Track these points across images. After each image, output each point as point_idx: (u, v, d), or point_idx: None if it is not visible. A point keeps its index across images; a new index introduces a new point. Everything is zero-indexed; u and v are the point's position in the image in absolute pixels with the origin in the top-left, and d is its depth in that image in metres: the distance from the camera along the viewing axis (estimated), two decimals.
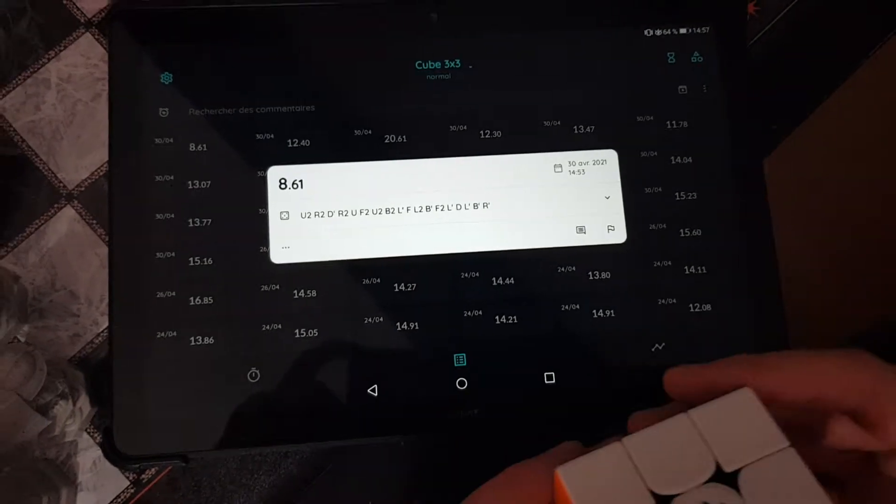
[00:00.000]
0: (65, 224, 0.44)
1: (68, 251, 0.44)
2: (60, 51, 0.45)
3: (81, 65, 0.46)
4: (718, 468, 0.26)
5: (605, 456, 0.27)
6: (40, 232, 0.44)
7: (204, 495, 0.42)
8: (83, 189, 0.44)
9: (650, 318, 0.42)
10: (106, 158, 0.44)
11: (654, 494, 0.25)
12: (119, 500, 0.41)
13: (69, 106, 0.45)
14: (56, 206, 0.44)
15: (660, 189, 0.44)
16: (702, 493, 0.25)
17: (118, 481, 0.42)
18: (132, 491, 0.41)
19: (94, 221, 0.44)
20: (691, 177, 0.44)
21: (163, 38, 0.44)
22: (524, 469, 0.29)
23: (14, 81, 0.45)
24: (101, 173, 0.44)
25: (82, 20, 0.46)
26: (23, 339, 0.42)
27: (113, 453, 0.40)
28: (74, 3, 0.46)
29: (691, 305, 0.43)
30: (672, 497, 0.25)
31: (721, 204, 0.44)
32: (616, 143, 0.44)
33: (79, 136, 0.45)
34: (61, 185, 0.44)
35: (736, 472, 0.25)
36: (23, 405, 0.35)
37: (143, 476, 0.41)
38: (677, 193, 0.44)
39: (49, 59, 0.45)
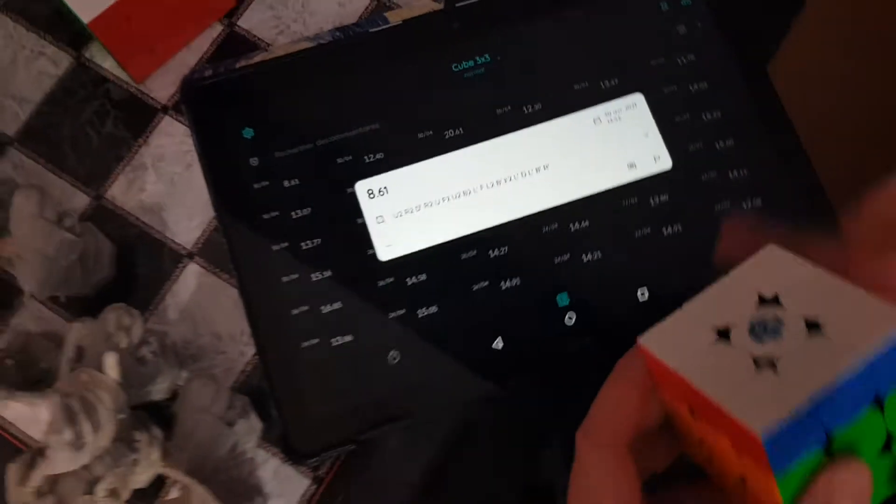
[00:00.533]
0: (192, 279, 0.50)
1: (201, 300, 0.49)
2: (148, 136, 0.51)
3: (168, 144, 0.51)
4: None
5: (678, 316, 0.30)
6: (173, 291, 0.50)
7: (375, 474, 0.47)
8: (200, 245, 0.50)
9: (711, 224, 0.48)
10: (211, 215, 0.50)
11: (726, 335, 0.30)
12: (304, 498, 0.47)
13: (168, 180, 0.51)
14: (180, 265, 0.50)
15: (687, 115, 0.49)
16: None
17: (300, 483, 0.47)
18: (314, 487, 0.47)
19: (217, 269, 0.50)
20: (711, 98, 0.50)
21: (232, 101, 0.50)
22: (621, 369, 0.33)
23: (116, 172, 0.51)
24: (212, 228, 0.50)
25: (159, 107, 0.52)
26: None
27: (293, 455, 0.45)
28: (148, 95, 0.52)
29: (743, 203, 0.49)
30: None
31: (742, 113, 0.50)
32: (640, 87, 0.49)
33: (183, 203, 0.50)
34: (180, 246, 0.50)
35: None
36: (217, 421, 0.41)
37: (321, 470, 0.47)
38: (703, 115, 0.49)
39: (140, 146, 0.51)
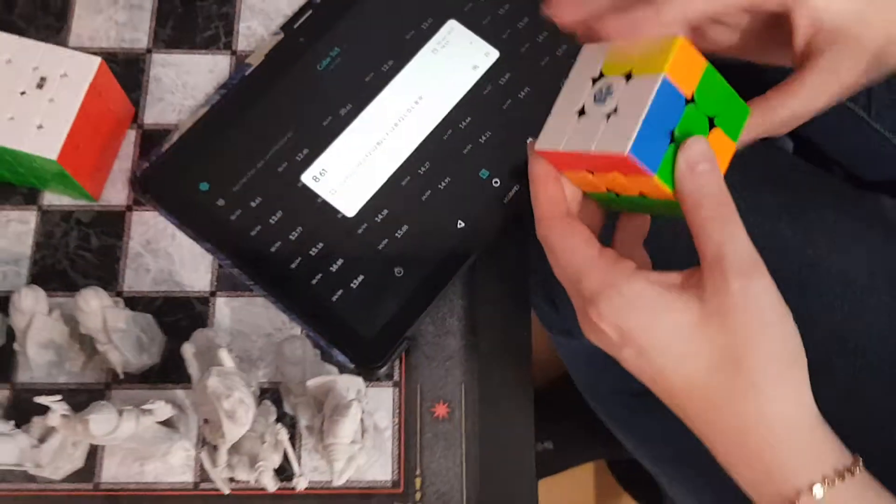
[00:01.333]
0: (224, 308, 0.59)
1: (241, 318, 0.61)
2: (129, 232, 0.60)
3: (147, 229, 0.58)
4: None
5: (550, 120, 0.42)
6: (216, 324, 0.61)
7: (428, 353, 0.61)
8: (215, 284, 0.60)
9: (548, 71, 0.65)
10: (210, 259, 0.60)
11: (583, 112, 0.41)
12: (395, 401, 0.59)
13: (163, 254, 0.58)
14: (210, 304, 0.61)
15: (489, 17, 0.64)
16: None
17: (385, 393, 0.59)
18: (397, 390, 0.59)
19: (238, 292, 0.60)
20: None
21: (177, 173, 0.60)
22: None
23: (120, 269, 0.61)
24: (216, 267, 0.58)
25: (123, 208, 0.62)
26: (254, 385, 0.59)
27: (368, 371, 0.57)
28: (110, 204, 0.61)
29: (557, 49, 0.66)
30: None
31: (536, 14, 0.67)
32: (450, 15, 0.63)
33: (184, 262, 0.58)
34: (201, 292, 0.59)
35: None
36: (316, 363, 0.53)
37: (394, 377, 0.59)
38: (498, 11, 0.66)
39: (127, 243, 0.59)
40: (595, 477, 1.13)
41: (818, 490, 0.37)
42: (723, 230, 0.37)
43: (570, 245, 0.41)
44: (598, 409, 0.78)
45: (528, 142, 0.43)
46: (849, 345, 0.53)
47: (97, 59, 0.55)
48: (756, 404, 0.38)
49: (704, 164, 0.38)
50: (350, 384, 0.48)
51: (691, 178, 0.38)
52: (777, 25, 0.42)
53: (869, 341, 0.53)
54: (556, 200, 0.42)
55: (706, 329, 0.37)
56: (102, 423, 0.45)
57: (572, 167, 0.42)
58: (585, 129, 0.40)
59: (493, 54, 0.63)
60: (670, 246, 0.45)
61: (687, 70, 0.39)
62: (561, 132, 0.41)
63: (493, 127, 0.61)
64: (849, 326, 0.53)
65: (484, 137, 0.60)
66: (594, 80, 0.41)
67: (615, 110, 0.39)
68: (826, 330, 0.53)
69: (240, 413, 0.45)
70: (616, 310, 0.38)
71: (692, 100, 0.40)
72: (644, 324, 0.38)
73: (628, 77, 0.40)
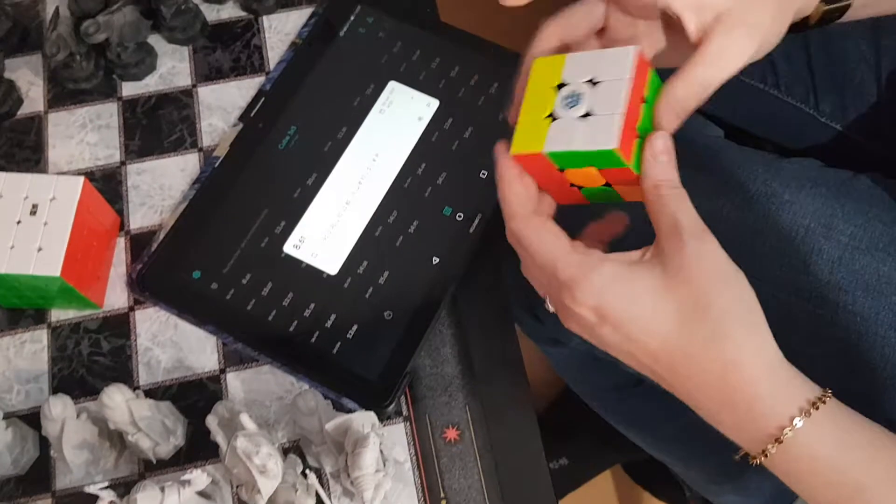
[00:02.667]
0: (236, 382, 0.63)
1: (252, 388, 0.65)
2: (135, 331, 0.64)
3: (151, 324, 0.63)
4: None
5: (518, 128, 0.46)
6: (231, 398, 0.65)
7: (430, 384, 0.64)
8: (223, 361, 0.64)
9: (487, 108, 0.71)
10: (214, 340, 0.65)
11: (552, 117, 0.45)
12: (409, 435, 0.63)
13: (170, 344, 0.62)
14: (222, 381, 0.65)
15: (423, 74, 0.72)
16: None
17: (398, 428, 0.62)
18: (408, 424, 0.63)
19: (247, 365, 0.65)
20: (423, 55, 0.73)
21: (170, 268, 0.65)
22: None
23: (133, 367, 0.65)
24: (221, 346, 0.63)
25: (126, 310, 0.66)
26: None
27: (379, 410, 0.61)
28: (113, 309, 0.66)
29: (489, 87, 0.72)
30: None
31: (440, 48, 0.73)
32: (389, 78, 0.69)
33: (192, 348, 0.63)
34: (212, 371, 0.64)
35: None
36: (328, 411, 0.57)
37: (403, 412, 0.63)
38: (429, 64, 0.73)
39: (135, 340, 0.64)
40: (615, 484, 1.17)
41: (798, 421, 0.41)
42: (677, 203, 0.43)
43: (543, 238, 0.45)
44: (601, 409, 0.82)
45: (496, 146, 0.47)
46: (804, 293, 0.58)
47: (80, 179, 0.60)
48: (727, 347, 0.42)
49: (665, 155, 0.44)
50: (365, 420, 0.52)
51: (655, 166, 0.44)
52: (676, 30, 0.48)
53: (823, 288, 0.58)
54: (525, 199, 0.46)
55: (671, 288, 0.42)
56: (148, 500, 0.49)
57: (541, 166, 0.46)
58: (562, 131, 0.45)
59: (434, 104, 0.68)
60: (620, 238, 0.50)
61: (642, 75, 0.45)
62: (535, 137, 0.45)
63: (447, 167, 0.66)
64: (801, 278, 0.58)
65: (441, 179, 0.66)
66: (558, 88, 0.46)
67: (589, 113, 0.44)
68: (781, 285, 0.58)
69: (270, 466, 0.49)
70: (592, 291, 0.43)
71: (645, 100, 0.45)
72: (617, 297, 0.42)
73: (593, 83, 0.45)
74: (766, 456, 0.42)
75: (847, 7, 0.53)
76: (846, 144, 0.70)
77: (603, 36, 0.50)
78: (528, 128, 0.46)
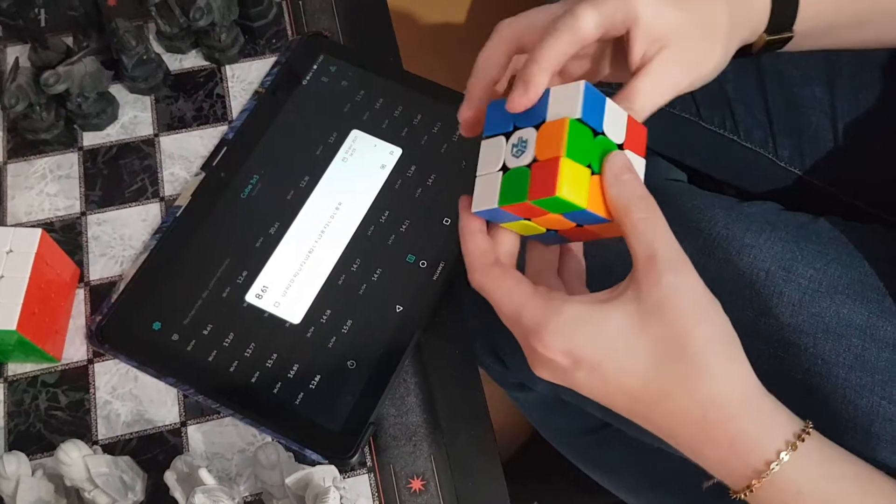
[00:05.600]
0: (197, 435, 0.62)
1: (213, 440, 0.64)
2: (93, 385, 0.64)
3: (111, 377, 0.63)
4: None
5: (477, 187, 0.45)
6: (192, 452, 0.63)
7: (394, 433, 0.64)
8: (184, 413, 0.63)
9: (450, 155, 0.72)
10: (175, 391, 0.64)
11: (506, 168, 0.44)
12: (373, 487, 0.62)
13: (129, 396, 0.61)
14: (182, 435, 0.64)
15: (386, 121, 0.73)
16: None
17: (362, 480, 0.61)
18: (372, 475, 0.62)
19: (207, 417, 0.63)
20: (385, 105, 0.74)
21: (130, 319, 0.64)
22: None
23: (92, 422, 0.64)
24: (183, 398, 0.62)
25: (85, 362, 0.65)
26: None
27: (342, 462, 0.61)
28: (72, 362, 0.65)
29: (453, 135, 0.73)
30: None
31: (401, 96, 0.74)
32: (351, 126, 0.70)
33: (152, 400, 0.62)
34: (172, 425, 0.63)
35: None
36: (291, 464, 0.56)
37: (367, 462, 0.63)
38: (393, 113, 0.73)
39: (94, 394, 0.63)
40: None
41: (784, 455, 0.41)
42: (654, 229, 0.42)
43: (504, 287, 0.44)
44: (569, 454, 0.82)
45: (460, 199, 0.47)
46: (765, 337, 0.58)
47: (38, 231, 0.60)
48: (707, 383, 0.41)
49: (627, 173, 0.43)
50: (325, 473, 0.52)
51: (618, 187, 0.43)
52: (616, 46, 0.49)
53: (784, 331, 0.59)
54: (485, 251, 0.46)
55: (647, 326, 0.41)
56: None
57: (512, 215, 0.46)
58: (515, 181, 0.44)
59: (397, 152, 0.69)
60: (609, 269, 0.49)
61: (593, 107, 0.44)
62: (492, 191, 0.45)
63: (410, 215, 0.66)
64: (762, 321, 0.59)
65: (404, 226, 0.66)
66: (507, 137, 0.46)
67: (535, 159, 0.44)
68: (742, 329, 0.58)
69: None
70: (560, 334, 0.42)
71: (601, 133, 0.45)
72: (589, 339, 0.41)
73: (538, 127, 0.44)
74: (750, 491, 0.42)
75: (789, 39, 0.54)
76: (805, 188, 0.71)
77: None
78: (485, 182, 0.46)
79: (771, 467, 0.41)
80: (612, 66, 0.51)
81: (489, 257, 0.46)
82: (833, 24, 0.55)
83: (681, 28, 0.47)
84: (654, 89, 0.46)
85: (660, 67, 0.46)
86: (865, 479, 0.43)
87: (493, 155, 0.46)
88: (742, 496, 0.42)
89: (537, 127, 0.44)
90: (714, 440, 0.42)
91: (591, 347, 0.42)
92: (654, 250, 0.41)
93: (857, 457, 0.44)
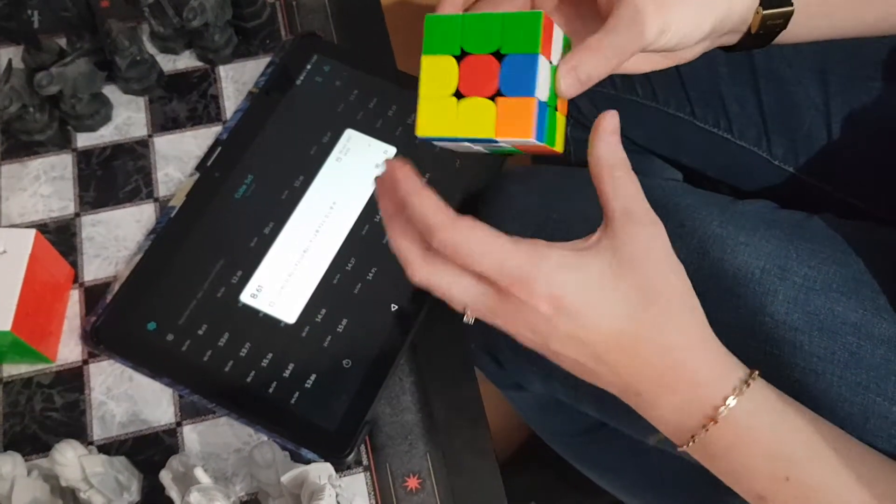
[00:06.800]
0: (192, 434, 0.62)
1: (209, 440, 0.63)
2: (89, 386, 0.63)
3: (106, 378, 0.62)
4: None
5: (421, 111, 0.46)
6: (187, 451, 0.63)
7: (391, 432, 0.64)
8: (180, 414, 0.63)
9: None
10: (170, 391, 0.65)
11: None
12: (369, 486, 0.62)
13: (125, 396, 0.61)
14: (178, 435, 0.64)
15: (380, 121, 0.73)
16: None
17: (358, 479, 0.61)
18: (368, 474, 0.62)
19: (203, 417, 0.63)
20: (377, 105, 0.74)
21: (124, 319, 0.65)
22: None
23: (87, 421, 0.64)
24: (178, 399, 0.62)
25: (80, 363, 0.65)
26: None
27: (338, 461, 0.61)
28: (67, 363, 0.64)
29: None
30: None
31: (383, 91, 0.74)
32: (345, 126, 0.70)
33: (147, 400, 0.62)
34: (168, 425, 0.63)
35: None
36: (287, 462, 0.57)
37: (363, 461, 0.63)
38: (386, 113, 0.74)
39: (89, 395, 0.63)
40: None
41: (731, 401, 0.44)
42: (632, 189, 0.44)
43: (479, 237, 0.42)
44: (565, 454, 0.82)
45: (386, 163, 0.45)
46: (760, 334, 0.58)
47: (32, 231, 0.60)
48: (674, 328, 0.44)
49: (614, 136, 0.45)
50: (321, 471, 0.52)
51: (605, 147, 0.45)
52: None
53: (779, 329, 0.59)
54: (441, 206, 0.43)
55: (622, 275, 0.43)
56: None
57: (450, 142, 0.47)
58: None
59: (391, 151, 0.69)
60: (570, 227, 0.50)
61: (548, 42, 0.45)
62: (446, 118, 0.46)
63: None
64: (757, 319, 0.59)
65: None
66: (456, 59, 0.46)
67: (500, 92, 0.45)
68: (737, 326, 0.59)
69: None
70: (547, 279, 0.42)
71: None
72: (573, 284, 0.42)
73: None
74: (706, 430, 0.44)
75: (789, 14, 0.53)
76: (799, 186, 0.71)
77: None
78: (434, 105, 0.46)
79: (727, 402, 0.43)
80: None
81: (448, 211, 0.43)
82: (833, 1, 0.55)
83: None
84: (631, 29, 0.46)
85: (630, 7, 0.46)
86: (814, 419, 0.46)
87: (443, 79, 0.46)
88: (690, 444, 0.45)
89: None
90: (675, 386, 0.44)
91: (574, 293, 0.42)
92: (631, 207, 0.44)
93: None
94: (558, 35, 0.47)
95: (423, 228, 0.44)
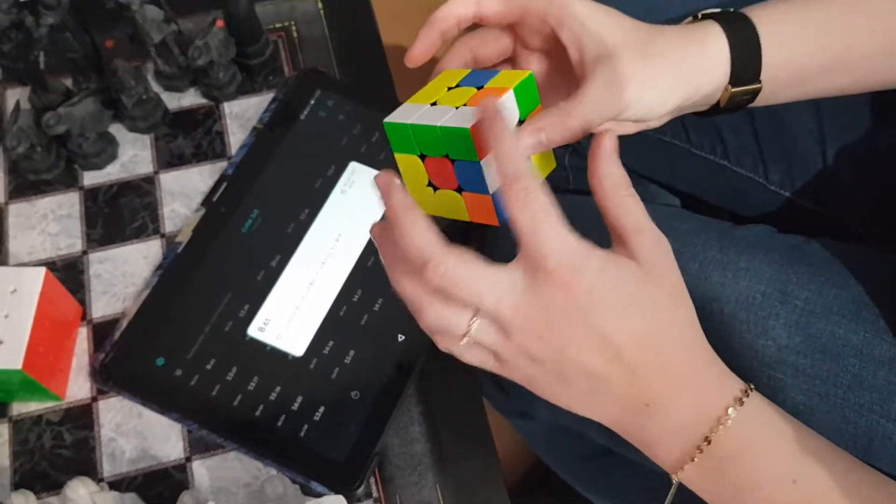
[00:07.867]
0: (202, 470, 0.63)
1: (219, 475, 0.64)
2: (98, 423, 0.64)
3: (115, 414, 0.64)
4: None
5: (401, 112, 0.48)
6: (196, 487, 0.64)
7: (400, 463, 0.65)
8: (189, 448, 0.64)
9: None
10: (180, 427, 0.65)
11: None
12: None
13: (134, 433, 0.62)
14: (188, 470, 0.64)
15: (384, 155, 0.75)
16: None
17: None
18: None
19: (212, 452, 0.64)
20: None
21: (133, 356, 0.65)
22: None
23: (97, 459, 0.64)
24: (186, 434, 0.62)
25: (89, 400, 0.65)
26: None
27: (349, 492, 0.61)
28: (76, 400, 0.66)
29: None
30: None
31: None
32: (350, 159, 0.71)
33: (156, 436, 0.63)
34: (177, 460, 0.63)
35: None
36: (297, 496, 0.57)
37: (373, 493, 0.63)
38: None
39: (99, 431, 0.64)
40: None
41: (732, 412, 0.45)
42: (638, 205, 0.45)
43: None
44: (573, 481, 0.82)
45: (377, 178, 0.46)
46: (763, 358, 0.59)
47: (42, 270, 0.60)
48: (692, 335, 0.46)
49: (615, 154, 0.46)
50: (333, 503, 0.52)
51: (615, 166, 0.45)
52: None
53: (781, 352, 0.60)
54: (435, 231, 0.44)
55: (648, 280, 0.44)
56: None
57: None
58: (433, 112, 0.47)
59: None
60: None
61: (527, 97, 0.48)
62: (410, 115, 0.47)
63: None
64: (759, 342, 0.60)
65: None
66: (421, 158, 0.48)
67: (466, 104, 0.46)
68: (739, 351, 0.59)
69: None
70: (592, 268, 0.43)
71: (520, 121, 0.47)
72: (610, 282, 0.43)
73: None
74: (708, 443, 0.44)
75: (757, 91, 0.55)
76: (796, 210, 0.72)
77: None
78: (417, 194, 0.48)
79: (741, 400, 0.45)
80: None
81: (440, 236, 0.43)
82: (805, 73, 0.57)
83: (627, 40, 0.49)
84: (603, 100, 0.48)
85: (606, 77, 0.48)
86: (805, 429, 0.47)
87: (416, 173, 0.49)
88: (697, 456, 0.45)
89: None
90: (688, 392, 0.45)
91: (612, 290, 0.43)
92: (641, 223, 0.45)
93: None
94: (513, 97, 0.48)
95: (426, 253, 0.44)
